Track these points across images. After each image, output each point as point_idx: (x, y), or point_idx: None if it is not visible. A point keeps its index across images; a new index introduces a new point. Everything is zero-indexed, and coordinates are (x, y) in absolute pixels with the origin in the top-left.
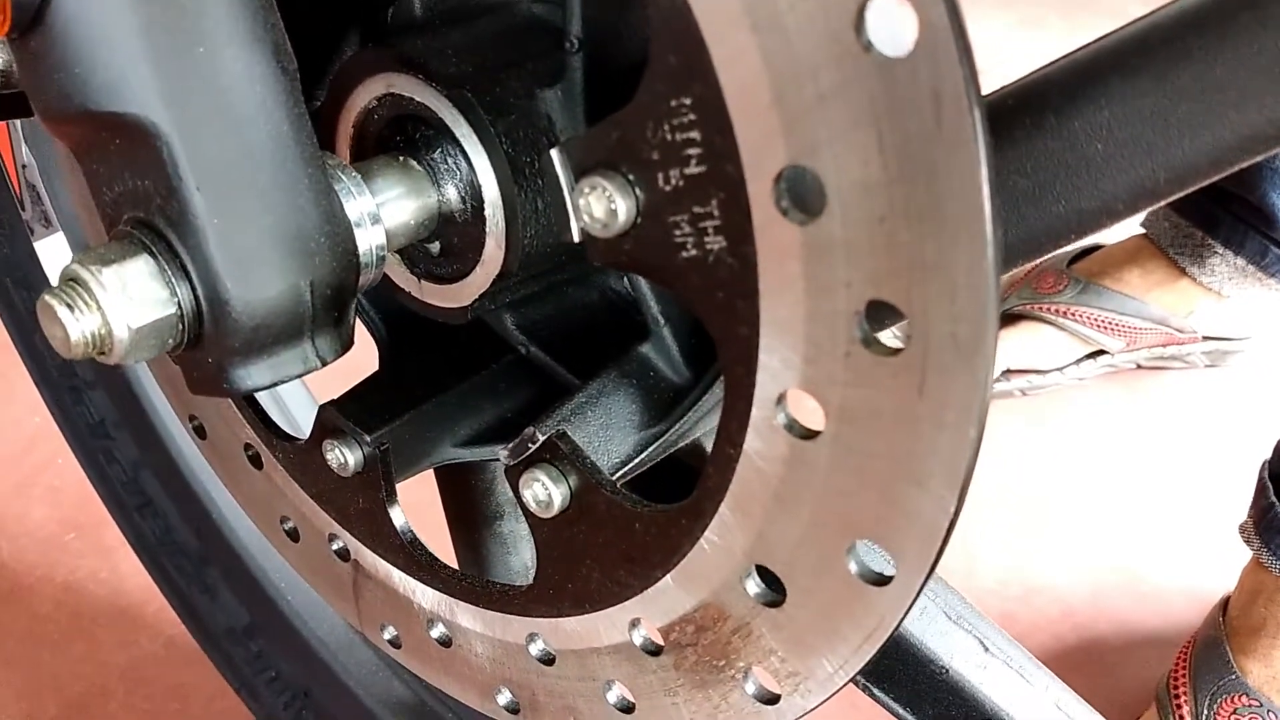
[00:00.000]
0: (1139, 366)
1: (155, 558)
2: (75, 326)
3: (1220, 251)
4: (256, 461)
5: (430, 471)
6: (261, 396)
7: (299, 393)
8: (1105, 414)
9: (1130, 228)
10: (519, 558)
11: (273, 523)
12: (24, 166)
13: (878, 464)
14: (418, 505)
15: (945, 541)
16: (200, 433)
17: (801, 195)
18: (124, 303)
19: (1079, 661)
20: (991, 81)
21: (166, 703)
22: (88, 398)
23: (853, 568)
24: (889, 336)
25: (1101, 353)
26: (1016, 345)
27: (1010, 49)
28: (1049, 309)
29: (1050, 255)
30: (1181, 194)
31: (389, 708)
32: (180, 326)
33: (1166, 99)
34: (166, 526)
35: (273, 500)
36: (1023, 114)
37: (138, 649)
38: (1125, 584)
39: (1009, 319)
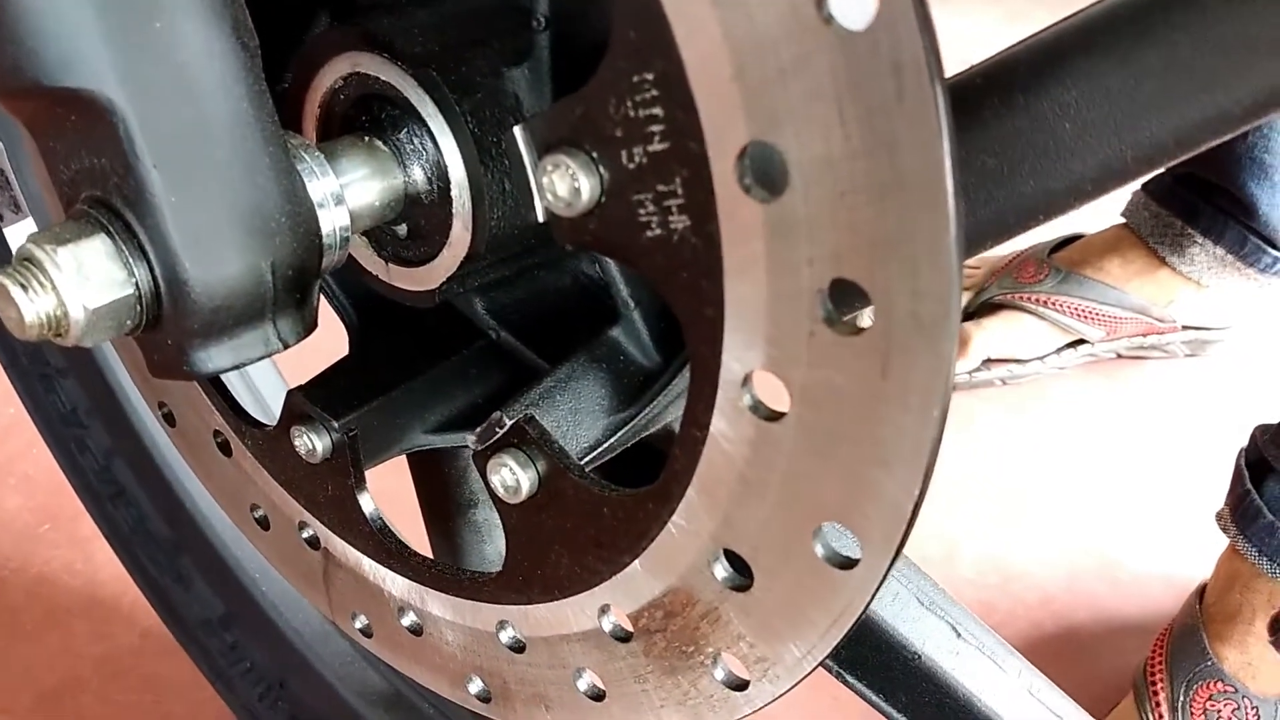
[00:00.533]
0: (1119, 356)
1: (129, 548)
2: (30, 307)
3: (1200, 241)
4: (225, 449)
5: (404, 461)
6: (234, 382)
7: (273, 378)
8: (1085, 403)
9: (1111, 217)
10: (493, 546)
11: (243, 511)
12: None
13: (842, 445)
14: (392, 494)
15: (911, 523)
16: (169, 420)
17: (764, 172)
18: (80, 283)
19: (1058, 649)
20: None
21: (141, 694)
22: (59, 385)
23: (819, 551)
24: (866, 320)
25: (1082, 342)
26: (997, 335)
27: (999, 44)
28: (1029, 298)
29: (1031, 245)
30: (1150, 174)
31: (364, 698)
32: (138, 308)
33: (1133, 78)
34: (140, 516)
35: (242, 488)
36: (991, 93)
37: (112, 641)
38: (1104, 572)
39: (990, 308)
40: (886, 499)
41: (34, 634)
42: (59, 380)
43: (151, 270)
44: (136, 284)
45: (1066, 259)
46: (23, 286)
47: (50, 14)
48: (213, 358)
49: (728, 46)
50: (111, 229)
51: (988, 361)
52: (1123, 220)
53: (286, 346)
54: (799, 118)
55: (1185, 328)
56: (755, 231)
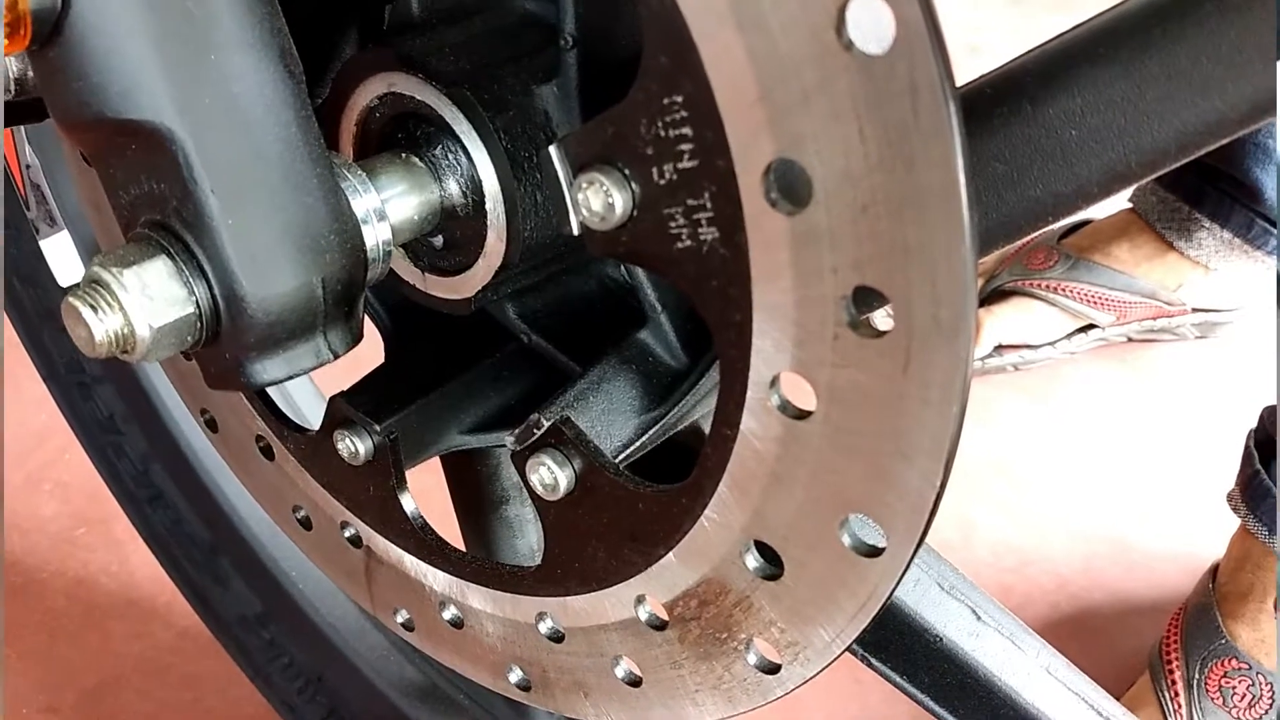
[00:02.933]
0: (1130, 339)
1: (167, 549)
2: (99, 327)
3: (1207, 225)
4: (268, 453)
5: (436, 459)
6: (270, 389)
7: (303, 383)
8: (1097, 387)
9: (1118, 202)
10: (525, 540)
11: (285, 512)
12: (28, 166)
13: (867, 441)
14: (425, 491)
15: (933, 513)
16: (212, 426)
17: (789, 186)
18: (145, 303)
19: (1074, 631)
20: (985, 58)
21: (181, 691)
22: (96, 393)
23: (846, 540)
24: (882, 315)
25: (1092, 326)
26: (1008, 321)
27: (1004, 27)
28: (1040, 285)
29: (1039, 232)
30: (1153, 176)
31: (401, 690)
32: (199, 324)
33: (1135, 86)
34: (177, 518)
35: (285, 490)
36: (1000, 102)
37: (151, 639)
38: (1118, 554)
39: (1000, 295)
40: (909, 490)
41: (75, 635)
42: (95, 388)
43: (211, 289)
44: (197, 302)
45: (1075, 245)
46: (92, 307)
47: (113, 51)
48: (267, 369)
49: (753, 71)
50: (172, 251)
51: (1000, 347)
52: (1130, 205)
53: (336, 357)
54: (821, 136)
55: (1195, 310)
56: (781, 242)
